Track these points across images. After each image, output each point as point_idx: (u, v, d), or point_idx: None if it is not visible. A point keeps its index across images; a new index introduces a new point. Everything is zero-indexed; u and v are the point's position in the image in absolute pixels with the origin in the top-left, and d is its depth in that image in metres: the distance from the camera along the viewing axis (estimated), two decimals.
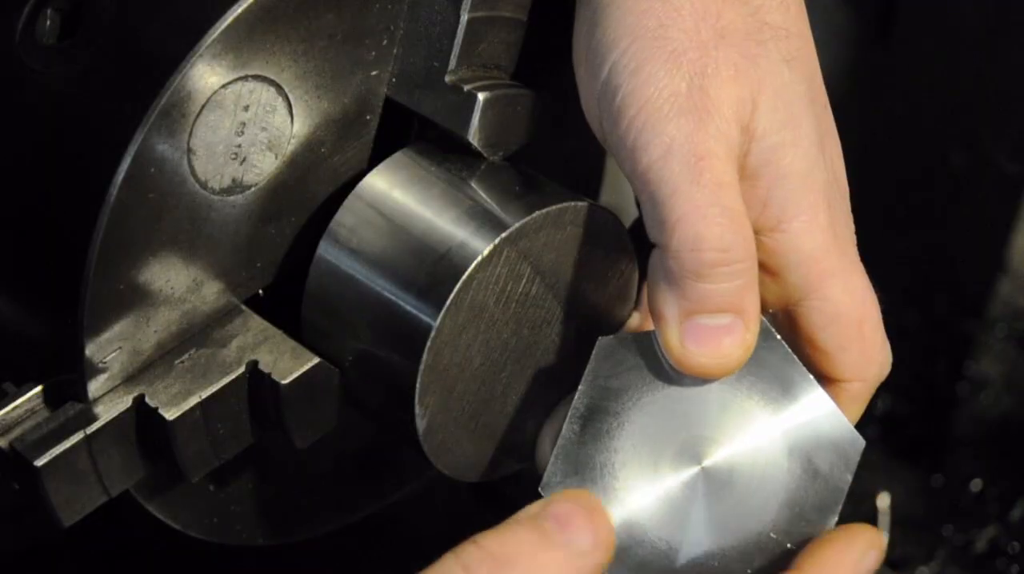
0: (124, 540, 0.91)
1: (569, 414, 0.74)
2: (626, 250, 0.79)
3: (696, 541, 0.73)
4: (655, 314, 0.73)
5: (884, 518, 1.19)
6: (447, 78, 0.77)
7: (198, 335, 0.76)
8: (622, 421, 0.74)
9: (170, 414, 0.73)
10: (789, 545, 0.74)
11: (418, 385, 0.75)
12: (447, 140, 0.78)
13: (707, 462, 0.74)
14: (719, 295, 0.71)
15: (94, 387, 0.73)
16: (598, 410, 0.74)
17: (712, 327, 0.72)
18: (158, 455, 0.75)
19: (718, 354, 0.72)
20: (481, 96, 0.76)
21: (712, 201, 0.70)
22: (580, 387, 0.74)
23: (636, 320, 0.82)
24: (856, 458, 0.76)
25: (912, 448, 1.27)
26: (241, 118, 0.73)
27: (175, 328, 0.75)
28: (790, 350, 0.76)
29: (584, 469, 0.73)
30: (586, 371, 0.74)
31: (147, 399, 0.74)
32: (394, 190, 0.77)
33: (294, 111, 0.75)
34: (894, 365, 0.79)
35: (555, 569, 0.67)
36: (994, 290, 1.34)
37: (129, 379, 0.74)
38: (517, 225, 0.74)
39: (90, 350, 0.72)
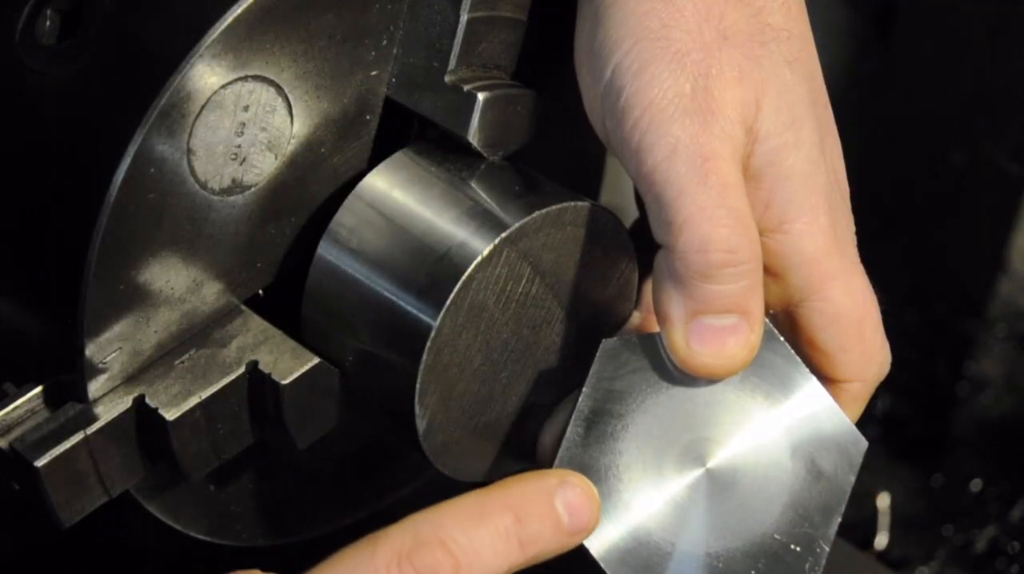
0: (124, 540, 0.91)
1: (573, 416, 0.74)
2: (626, 250, 0.79)
3: (700, 543, 0.73)
4: (660, 314, 0.73)
5: (884, 518, 1.20)
6: (447, 78, 0.77)
7: (198, 335, 0.76)
8: (626, 423, 0.74)
9: (170, 414, 0.73)
10: (793, 546, 0.74)
11: (418, 385, 0.75)
12: (447, 140, 0.78)
13: (711, 464, 0.74)
14: (725, 296, 0.71)
15: (94, 387, 0.73)
16: (602, 412, 0.74)
17: (717, 327, 0.72)
18: (158, 455, 0.75)
19: (723, 354, 0.72)
20: (481, 96, 0.76)
21: (719, 202, 0.70)
22: (584, 389, 0.74)
23: (636, 319, 0.82)
24: (859, 459, 0.76)
25: (912, 448, 1.27)
26: (241, 118, 0.73)
27: (175, 328, 0.75)
28: (793, 351, 0.76)
29: (588, 471, 0.73)
30: (590, 373, 0.74)
31: (147, 399, 0.74)
32: (394, 190, 0.77)
33: (294, 111, 0.75)
34: (894, 365, 0.80)
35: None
36: (994, 290, 1.35)
37: (129, 379, 0.74)
38: (517, 225, 0.74)
39: (90, 350, 0.72)
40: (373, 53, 0.77)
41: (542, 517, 0.70)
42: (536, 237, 0.75)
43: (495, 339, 0.76)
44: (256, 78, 0.73)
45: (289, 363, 0.75)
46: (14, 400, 0.73)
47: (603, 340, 0.75)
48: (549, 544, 0.70)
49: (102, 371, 0.73)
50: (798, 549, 0.74)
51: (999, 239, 1.34)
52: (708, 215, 0.70)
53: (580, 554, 0.73)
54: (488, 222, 0.75)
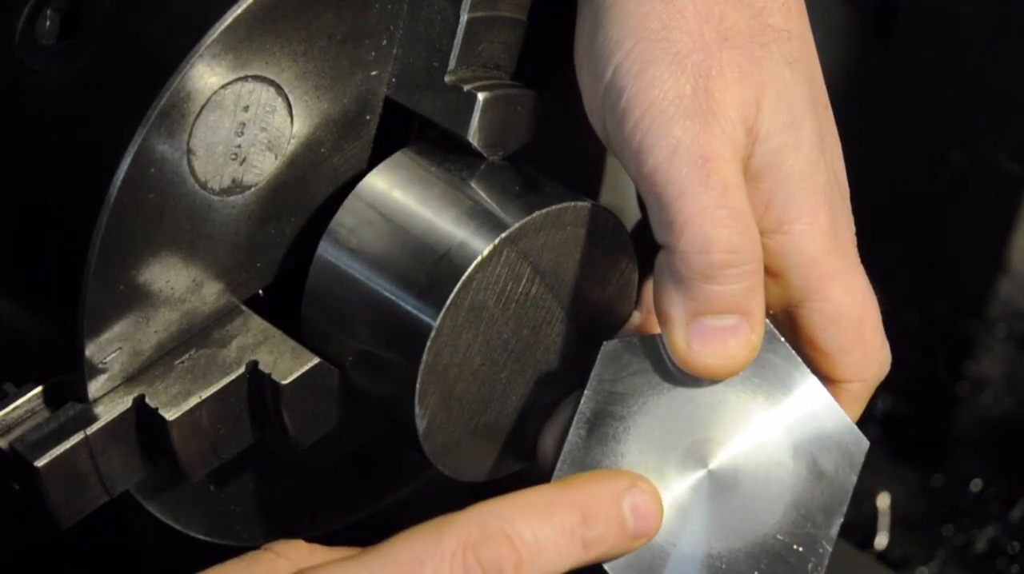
0: (124, 540, 0.91)
1: (575, 419, 0.74)
2: (626, 250, 0.79)
3: (703, 544, 0.73)
4: (661, 315, 0.73)
5: (884, 518, 1.20)
6: (447, 78, 0.77)
7: (198, 335, 0.76)
8: (628, 425, 0.74)
9: (170, 414, 0.73)
10: (795, 546, 0.74)
11: (418, 385, 0.75)
12: (447, 140, 0.78)
13: (713, 465, 0.74)
14: (726, 296, 0.71)
15: (94, 387, 0.73)
16: (604, 414, 0.74)
17: (718, 328, 0.72)
18: (158, 455, 0.75)
19: (724, 355, 0.72)
20: (481, 96, 0.76)
21: (720, 203, 0.70)
22: (586, 392, 0.74)
23: (637, 319, 0.82)
24: (861, 459, 0.76)
25: (912, 448, 1.27)
26: (241, 118, 0.73)
27: (175, 328, 0.75)
28: (794, 352, 0.76)
29: None
30: (591, 375, 0.74)
31: (147, 399, 0.74)
32: (394, 190, 0.77)
33: (294, 111, 0.75)
34: (894, 365, 0.80)
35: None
36: (994, 290, 1.34)
37: (129, 379, 0.74)
38: (517, 225, 0.74)
39: (90, 350, 0.72)
40: (373, 53, 0.77)
41: (609, 519, 0.70)
42: (536, 237, 0.75)
43: (495, 339, 0.76)
44: (256, 78, 0.73)
45: (289, 363, 0.75)
46: (14, 400, 0.73)
47: (604, 342, 0.75)
48: (612, 547, 0.70)
49: (102, 371, 0.73)
50: (800, 549, 0.74)
51: (999, 239, 1.34)
52: (709, 215, 0.70)
53: None
54: (488, 222, 0.75)
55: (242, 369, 0.75)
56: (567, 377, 0.79)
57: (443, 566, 0.67)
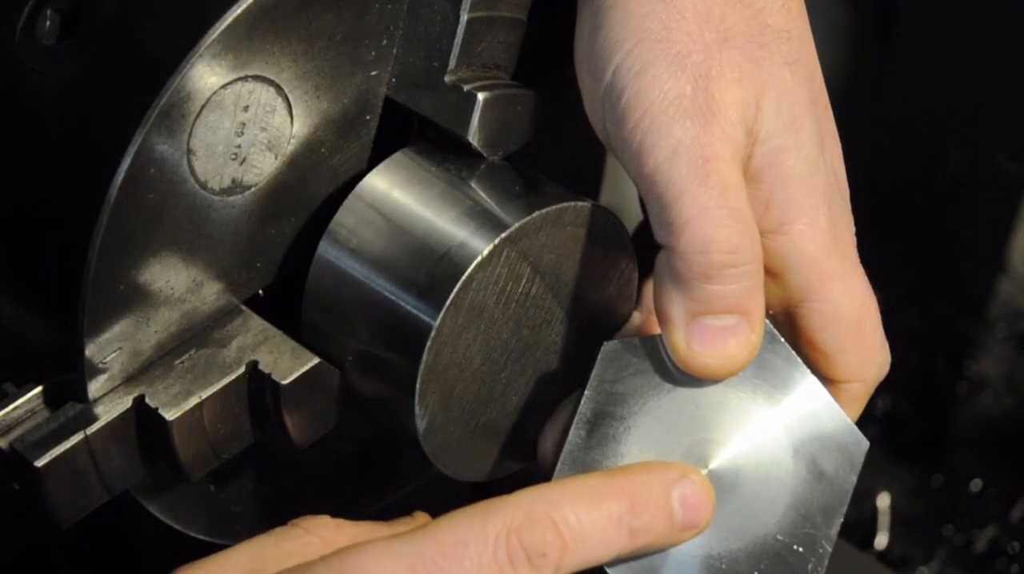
0: (124, 540, 0.91)
1: (575, 419, 0.74)
2: (626, 250, 0.79)
3: (702, 544, 0.73)
4: (661, 315, 0.73)
5: (884, 518, 1.20)
6: (447, 78, 0.77)
7: (198, 335, 0.76)
8: (628, 426, 0.74)
9: (170, 414, 0.73)
10: (795, 547, 0.74)
11: (418, 385, 0.75)
12: (447, 140, 0.78)
13: (713, 465, 0.74)
14: (726, 296, 0.71)
15: (94, 387, 0.73)
16: (604, 415, 0.74)
17: (718, 328, 0.72)
18: (158, 455, 0.75)
19: (723, 355, 0.72)
20: (481, 96, 0.76)
21: (720, 203, 0.70)
22: (586, 392, 0.74)
23: (637, 320, 0.82)
24: (861, 459, 0.76)
25: (912, 448, 1.27)
26: (241, 118, 0.73)
27: (175, 328, 0.75)
28: (794, 352, 0.76)
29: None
30: (591, 376, 0.74)
31: (147, 399, 0.74)
32: (394, 190, 0.77)
33: (294, 111, 0.75)
34: (894, 365, 0.80)
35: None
36: (994, 290, 1.34)
37: (129, 379, 0.74)
38: (517, 225, 0.74)
39: (90, 350, 0.72)
40: (373, 53, 0.77)
41: (657, 509, 0.70)
42: (536, 237, 0.75)
43: (495, 339, 0.76)
44: (256, 78, 0.73)
45: (289, 363, 0.75)
46: (14, 400, 0.73)
47: (604, 342, 0.75)
48: (658, 537, 0.70)
49: (102, 371, 0.73)
50: (801, 550, 0.74)
51: (999, 239, 1.34)
52: (709, 216, 0.70)
53: None
54: (488, 222, 0.75)
55: (242, 369, 0.75)
56: (567, 377, 0.79)
57: (487, 549, 0.66)
